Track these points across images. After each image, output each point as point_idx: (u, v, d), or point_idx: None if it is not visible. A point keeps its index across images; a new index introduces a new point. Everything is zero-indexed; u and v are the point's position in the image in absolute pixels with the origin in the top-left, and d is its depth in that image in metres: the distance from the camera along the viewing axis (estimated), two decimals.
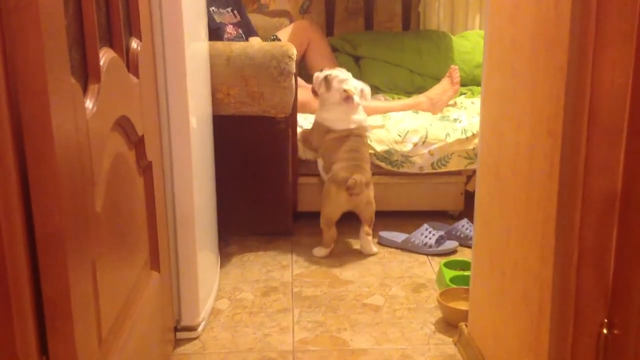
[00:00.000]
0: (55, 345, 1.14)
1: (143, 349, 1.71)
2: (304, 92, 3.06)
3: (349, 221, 2.82)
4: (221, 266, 2.66)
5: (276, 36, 3.31)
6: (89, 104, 1.31)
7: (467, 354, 2.04)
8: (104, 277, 1.37)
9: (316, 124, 2.87)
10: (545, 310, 1.40)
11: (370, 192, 2.76)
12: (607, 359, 1.22)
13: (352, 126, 2.80)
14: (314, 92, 2.91)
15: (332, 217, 2.75)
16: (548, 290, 1.38)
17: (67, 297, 1.14)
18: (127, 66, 1.62)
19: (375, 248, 2.81)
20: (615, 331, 1.20)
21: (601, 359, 1.22)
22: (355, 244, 2.84)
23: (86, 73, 1.34)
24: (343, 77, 2.83)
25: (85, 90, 1.31)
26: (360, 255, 2.78)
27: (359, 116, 2.84)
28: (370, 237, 2.79)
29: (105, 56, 1.43)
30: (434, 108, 3.21)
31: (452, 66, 3.30)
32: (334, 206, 2.74)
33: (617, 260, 1.18)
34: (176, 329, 2.15)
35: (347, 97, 2.78)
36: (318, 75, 2.87)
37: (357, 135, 2.81)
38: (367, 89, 2.89)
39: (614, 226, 1.17)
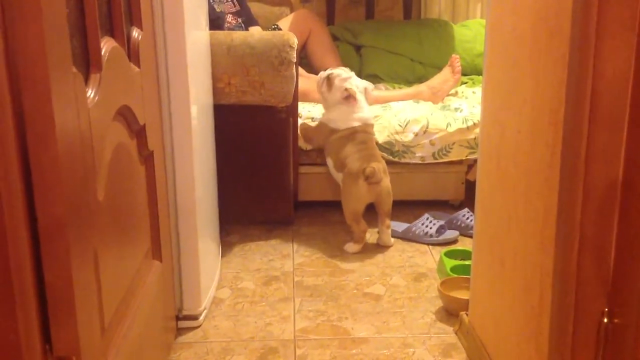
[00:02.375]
0: (57, 334, 1.15)
1: (145, 338, 1.72)
2: (304, 81, 3.06)
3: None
4: (222, 255, 2.67)
5: (277, 25, 3.30)
6: (90, 93, 1.31)
7: (467, 343, 2.04)
8: (105, 266, 1.38)
9: (321, 124, 2.86)
10: (546, 299, 1.41)
11: (389, 181, 2.75)
12: (608, 347, 1.22)
13: (356, 124, 2.78)
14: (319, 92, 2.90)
15: (357, 212, 2.71)
16: (548, 280, 1.38)
17: (69, 286, 1.14)
18: (129, 55, 1.61)
19: (392, 239, 2.81)
20: (616, 320, 1.20)
21: (601, 347, 1.23)
22: None
23: (87, 62, 1.34)
24: (345, 76, 2.82)
25: (86, 79, 1.31)
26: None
27: (363, 114, 2.81)
28: (390, 230, 2.78)
29: (107, 45, 1.43)
30: (435, 97, 3.20)
31: (453, 55, 3.29)
32: (355, 200, 2.71)
33: (617, 249, 1.18)
34: (178, 318, 2.16)
35: (349, 96, 2.77)
36: (321, 75, 2.86)
37: (362, 131, 2.79)
38: (370, 87, 2.89)
39: (615, 215, 1.17)
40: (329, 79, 2.81)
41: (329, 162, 2.84)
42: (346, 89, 2.77)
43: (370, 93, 2.87)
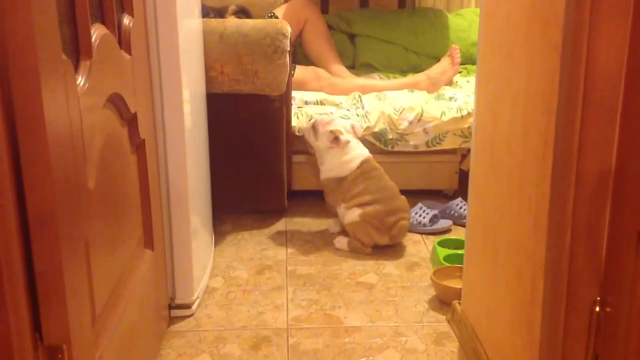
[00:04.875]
0: (48, 323, 1.14)
1: (137, 326, 1.72)
2: (301, 70, 3.05)
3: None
4: (215, 244, 2.67)
5: (273, 13, 3.28)
6: (80, 80, 1.30)
7: (460, 331, 2.05)
8: (96, 254, 1.37)
9: (327, 182, 2.73)
10: (538, 289, 1.41)
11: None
12: (599, 336, 1.22)
13: (358, 162, 2.68)
14: (309, 145, 2.81)
15: (367, 244, 2.66)
16: (541, 269, 1.38)
17: (59, 275, 1.14)
18: (119, 43, 1.60)
19: None
20: (608, 309, 1.20)
21: (593, 337, 1.23)
22: None
23: (77, 49, 1.32)
24: (327, 120, 2.73)
25: (76, 66, 1.30)
26: None
27: (358, 150, 2.71)
28: None
29: (97, 32, 1.41)
30: (433, 87, 3.20)
31: (452, 46, 3.29)
32: (369, 240, 2.64)
33: (609, 238, 1.18)
34: (170, 307, 2.16)
35: (335, 138, 2.67)
36: (307, 126, 2.79)
37: (372, 168, 2.70)
38: (357, 124, 2.79)
39: (607, 205, 1.17)
40: (314, 128, 2.73)
41: (340, 210, 2.70)
42: (331, 132, 2.68)
43: (358, 129, 2.75)
